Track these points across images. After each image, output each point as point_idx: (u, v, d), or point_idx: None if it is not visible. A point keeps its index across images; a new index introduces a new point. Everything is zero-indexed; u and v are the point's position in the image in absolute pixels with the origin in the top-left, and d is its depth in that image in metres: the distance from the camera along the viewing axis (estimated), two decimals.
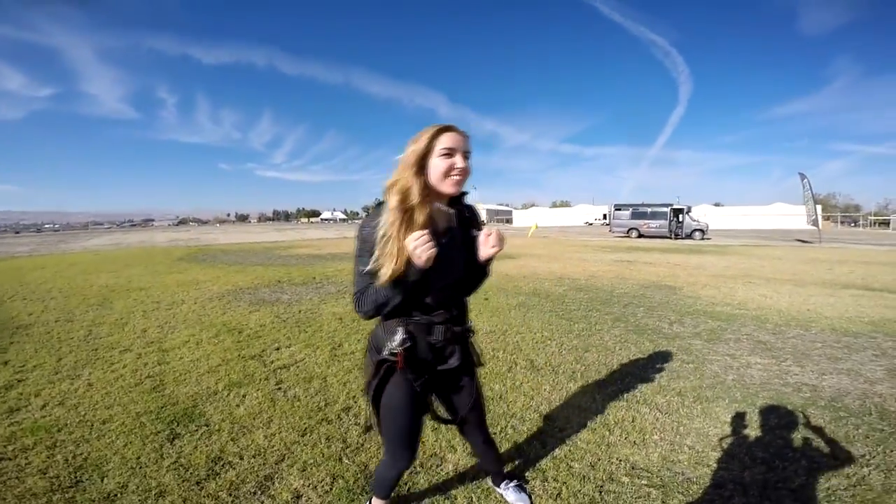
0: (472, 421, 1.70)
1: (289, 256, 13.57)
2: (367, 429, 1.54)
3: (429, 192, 1.33)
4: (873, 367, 3.53)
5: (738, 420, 2.67)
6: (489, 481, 2.02)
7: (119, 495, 1.99)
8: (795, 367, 3.54)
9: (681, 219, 24.43)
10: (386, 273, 1.26)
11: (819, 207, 22.11)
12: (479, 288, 1.52)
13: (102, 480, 2.10)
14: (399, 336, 1.38)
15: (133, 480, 2.09)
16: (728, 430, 2.57)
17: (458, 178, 1.33)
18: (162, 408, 2.85)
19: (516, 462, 2.24)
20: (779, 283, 7.83)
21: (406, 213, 1.28)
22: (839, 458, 2.25)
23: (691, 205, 26.71)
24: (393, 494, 1.80)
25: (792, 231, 31.42)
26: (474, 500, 1.96)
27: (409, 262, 1.26)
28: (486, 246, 1.41)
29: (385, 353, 1.41)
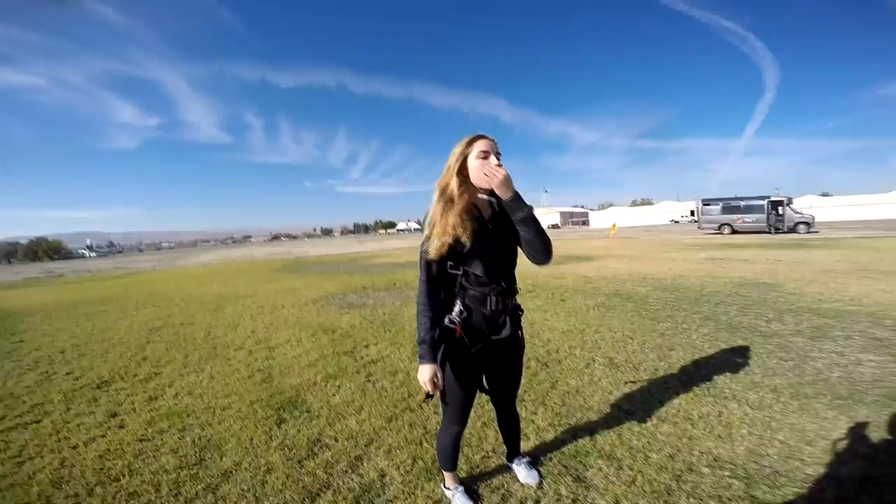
0: (506, 393, 1.91)
1: (370, 265, 14.43)
2: (428, 396, 1.73)
3: (469, 187, 1.63)
4: None
5: (841, 417, 2.49)
6: (504, 458, 2.18)
7: (234, 472, 2.28)
8: None
9: (780, 211, 22.07)
10: (433, 248, 1.55)
11: None
12: (543, 246, 1.63)
13: (221, 459, 2.40)
14: (457, 307, 1.62)
15: (246, 459, 2.38)
16: (828, 426, 2.41)
17: (494, 172, 1.57)
18: (271, 396, 3.25)
19: (588, 450, 2.29)
20: None
21: (447, 203, 1.59)
22: None
23: (793, 196, 23.97)
24: (467, 474, 1.99)
25: None
26: (545, 483, 2.05)
27: (455, 239, 1.54)
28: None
29: (446, 321, 1.64)
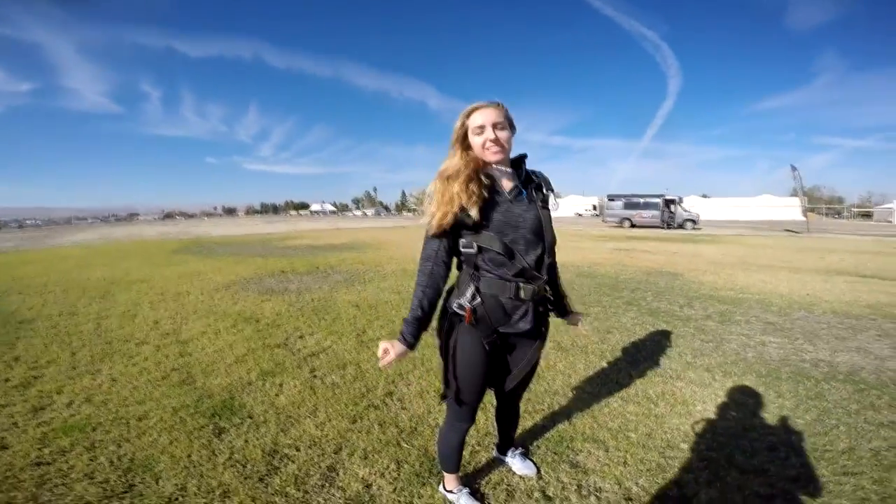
0: (515, 389, 1.76)
1: (286, 248, 13.45)
2: (444, 397, 1.58)
3: (477, 160, 1.47)
4: (879, 345, 3.67)
5: (770, 392, 2.79)
6: (494, 451, 2.10)
7: (181, 498, 1.85)
8: (808, 346, 3.67)
9: (673, 209, 24.76)
10: (435, 221, 1.41)
11: (806, 199, 22.64)
12: (553, 262, 1.59)
13: (158, 482, 1.96)
14: (469, 291, 1.46)
15: (191, 481, 1.96)
16: (764, 400, 2.69)
17: (493, 147, 1.43)
18: (198, 401, 2.74)
19: (572, 435, 2.29)
20: (775, 269, 8.03)
21: (447, 179, 1.42)
22: (872, 423, 2.37)
23: (680, 196, 27.02)
24: (461, 473, 1.84)
25: (779, 222, 32.03)
26: (542, 472, 2.00)
27: (460, 210, 1.40)
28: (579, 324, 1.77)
29: (455, 306, 1.48)
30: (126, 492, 1.91)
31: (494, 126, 1.42)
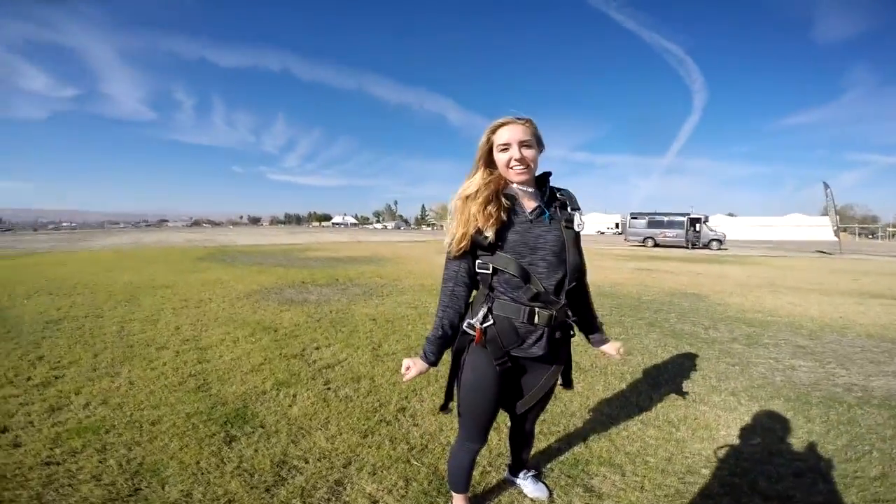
0: (530, 413, 1.72)
1: (307, 259, 13.64)
2: (444, 408, 1.55)
3: (499, 180, 1.45)
4: None
5: (799, 417, 2.68)
6: (505, 472, 2.04)
7: None
8: (841, 370, 3.52)
9: (698, 228, 24.22)
10: (455, 242, 1.40)
11: (838, 218, 21.85)
12: (582, 285, 1.60)
13: (164, 488, 1.95)
14: (482, 312, 1.43)
15: (197, 488, 1.95)
16: (792, 425, 2.58)
17: (518, 167, 1.40)
18: (212, 408, 2.75)
19: (587, 458, 2.22)
20: (805, 292, 7.75)
21: (467, 199, 1.42)
22: None
23: (705, 214, 26.44)
24: (470, 494, 1.79)
25: (809, 242, 30.99)
26: (555, 496, 1.94)
27: (476, 232, 1.38)
28: (614, 351, 1.69)
29: (465, 325, 1.47)
30: (131, 495, 1.91)
31: (521, 144, 1.39)
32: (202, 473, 2.07)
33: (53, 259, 13.11)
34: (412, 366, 1.43)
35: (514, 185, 1.45)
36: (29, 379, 3.23)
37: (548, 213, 1.45)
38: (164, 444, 2.33)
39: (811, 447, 2.31)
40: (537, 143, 1.44)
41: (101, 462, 2.15)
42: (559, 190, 1.54)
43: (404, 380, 1.43)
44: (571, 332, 1.57)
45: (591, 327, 1.70)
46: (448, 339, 1.48)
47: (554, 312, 1.40)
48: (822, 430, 2.49)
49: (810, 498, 1.87)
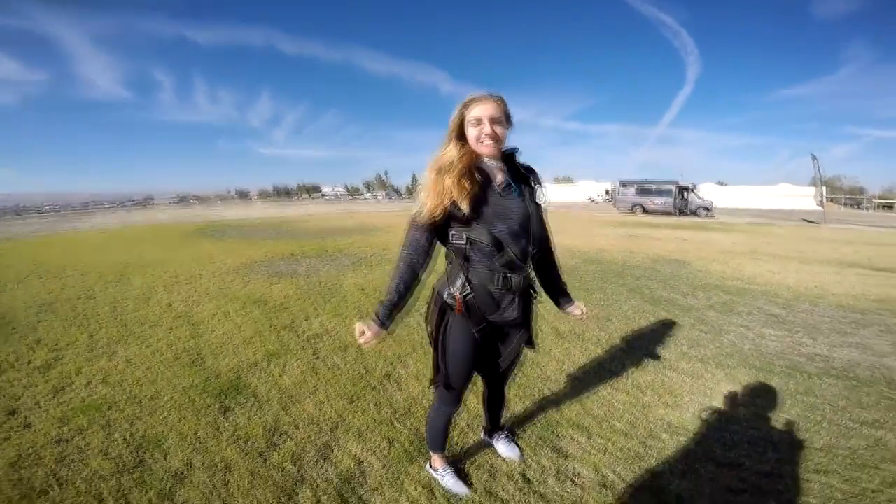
0: (502, 375, 1.88)
1: (297, 231, 13.60)
2: (433, 383, 1.67)
3: (471, 151, 1.51)
4: (880, 341, 3.66)
5: (761, 385, 2.82)
6: (482, 434, 2.19)
7: (187, 473, 1.99)
8: (808, 340, 3.67)
9: (686, 196, 24.33)
10: (426, 210, 1.45)
11: (825, 188, 22.09)
12: (548, 257, 1.72)
13: (166, 458, 2.09)
14: (459, 281, 1.52)
15: (196, 457, 2.09)
16: (753, 393, 2.72)
17: (487, 141, 1.48)
18: (206, 381, 2.89)
19: (558, 421, 2.38)
20: (786, 260, 7.94)
21: (440, 171, 1.47)
22: (856, 421, 2.39)
23: (696, 183, 26.49)
24: (448, 454, 1.95)
25: (796, 211, 31.29)
26: (525, 456, 2.10)
27: (451, 204, 1.44)
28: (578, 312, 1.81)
29: (446, 296, 1.55)
30: (137, 466, 2.04)
31: (492, 120, 1.46)
32: (200, 443, 2.21)
33: (39, 242, 12.91)
34: (367, 330, 1.45)
35: (485, 159, 1.53)
36: (30, 362, 3.31)
37: (515, 186, 1.55)
38: (164, 417, 2.47)
39: (767, 416, 2.45)
40: (507, 119, 1.52)
41: (106, 437, 2.29)
42: (524, 166, 1.63)
43: (360, 342, 1.45)
44: (535, 295, 1.71)
45: (559, 292, 1.82)
46: (401, 304, 1.54)
47: (522, 277, 1.56)
48: (781, 399, 2.64)
49: (759, 466, 2.01)
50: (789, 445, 2.17)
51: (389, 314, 1.51)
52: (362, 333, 1.46)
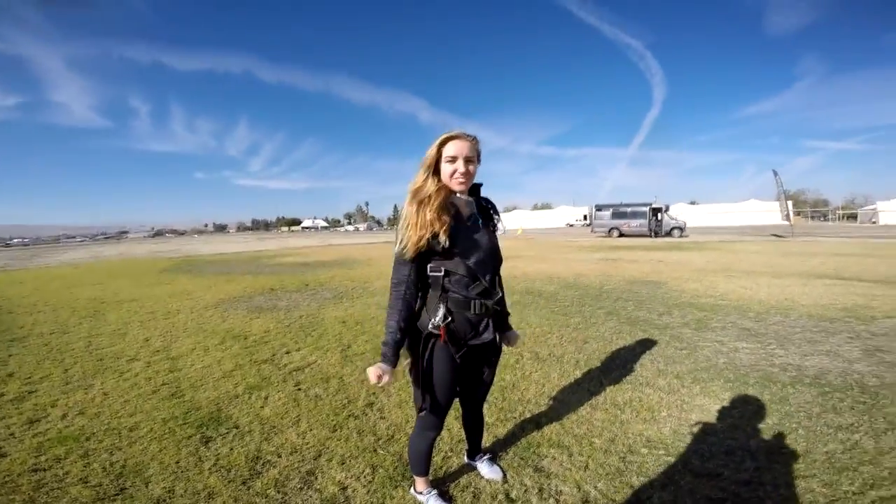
0: (479, 396, 1.95)
1: (276, 265, 13.49)
2: (420, 410, 1.72)
3: (445, 186, 1.61)
4: (849, 348, 3.80)
5: (736, 397, 2.90)
6: (464, 457, 2.22)
7: (169, 499, 1.99)
8: (780, 350, 3.80)
9: (660, 217, 25.06)
10: (411, 244, 1.52)
11: (790, 203, 23.07)
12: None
13: (147, 486, 2.09)
14: (441, 312, 1.59)
15: (178, 484, 2.10)
16: (728, 405, 2.79)
17: (459, 179, 1.60)
18: (187, 413, 2.86)
19: (539, 441, 2.41)
20: (757, 275, 8.21)
21: (420, 204, 1.55)
22: (831, 426, 2.47)
23: (668, 203, 27.38)
24: (431, 476, 1.97)
25: (766, 227, 32.53)
26: (508, 476, 2.11)
27: (432, 237, 1.52)
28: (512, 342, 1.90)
29: (430, 327, 1.60)
30: (118, 494, 2.05)
31: (466, 160, 1.59)
32: (182, 471, 2.21)
33: (8, 278, 12.53)
34: (384, 374, 1.51)
35: (457, 194, 1.63)
36: (2, 395, 3.26)
37: (480, 219, 1.67)
38: (144, 447, 2.45)
39: (744, 426, 2.52)
40: (477, 158, 1.65)
41: (85, 466, 2.28)
42: (485, 199, 1.77)
43: (379, 386, 1.52)
44: (507, 314, 1.84)
45: (504, 322, 1.90)
46: (403, 341, 1.62)
47: (496, 301, 1.68)
48: (756, 409, 2.72)
49: (737, 475, 2.06)
50: (767, 453, 2.23)
51: (397, 353, 1.58)
52: (379, 378, 1.51)
